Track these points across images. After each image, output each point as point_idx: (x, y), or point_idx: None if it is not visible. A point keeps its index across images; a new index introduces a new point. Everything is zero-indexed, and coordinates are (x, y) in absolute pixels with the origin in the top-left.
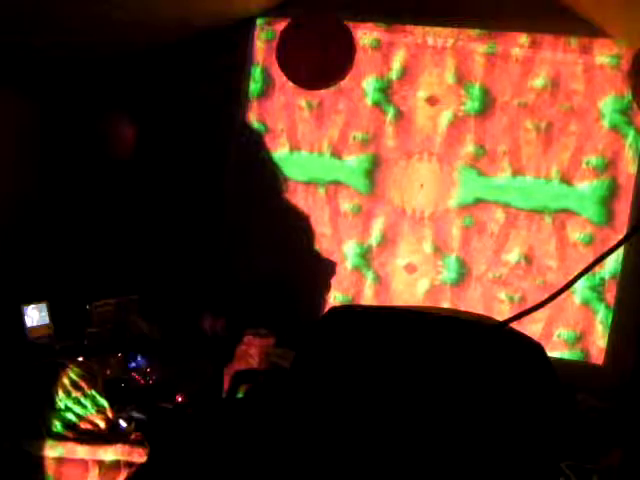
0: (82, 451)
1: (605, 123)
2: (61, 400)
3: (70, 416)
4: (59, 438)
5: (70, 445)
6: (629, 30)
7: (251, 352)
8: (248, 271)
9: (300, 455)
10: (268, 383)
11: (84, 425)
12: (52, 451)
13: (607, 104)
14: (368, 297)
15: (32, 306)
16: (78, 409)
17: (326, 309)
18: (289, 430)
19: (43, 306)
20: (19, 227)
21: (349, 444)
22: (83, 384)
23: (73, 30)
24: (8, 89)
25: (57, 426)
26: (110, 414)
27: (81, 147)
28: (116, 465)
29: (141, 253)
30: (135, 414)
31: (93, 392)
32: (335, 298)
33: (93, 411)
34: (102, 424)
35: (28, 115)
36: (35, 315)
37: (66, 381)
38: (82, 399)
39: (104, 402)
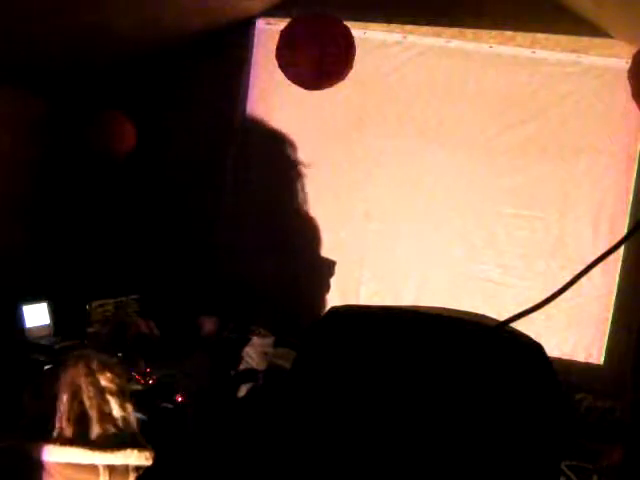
0: (92, 456)
1: (605, 123)
2: (84, 403)
3: (90, 416)
4: (70, 443)
5: (80, 450)
6: (629, 30)
7: (251, 352)
8: (248, 271)
9: (300, 456)
10: (268, 384)
11: (98, 428)
12: (61, 456)
13: (607, 104)
14: (369, 297)
15: (32, 306)
16: (102, 410)
17: (327, 308)
18: (289, 431)
19: (43, 306)
20: (19, 227)
21: (349, 446)
22: (111, 386)
23: (74, 30)
24: (10, 88)
25: (72, 431)
26: (130, 416)
27: (81, 147)
28: (125, 469)
29: (141, 253)
30: (135, 414)
31: (121, 394)
32: (335, 297)
33: (116, 413)
34: (117, 421)
35: (27, 115)
36: (35, 315)
37: (88, 388)
38: (113, 401)
39: (129, 405)
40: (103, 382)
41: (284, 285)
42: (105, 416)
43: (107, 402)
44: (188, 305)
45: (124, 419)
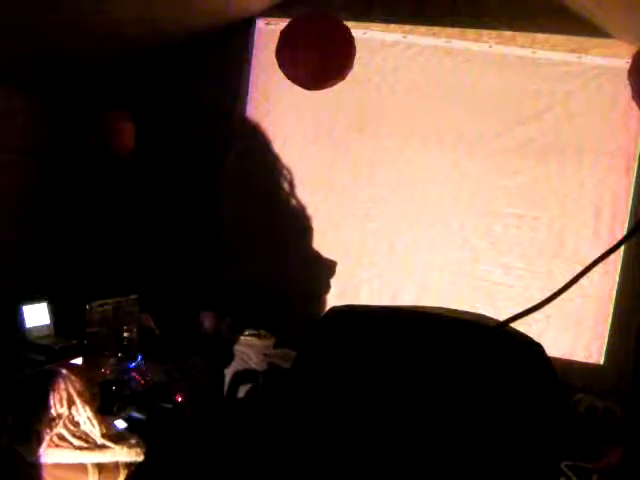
0: (80, 456)
1: (605, 123)
2: (57, 410)
3: (62, 427)
4: (53, 445)
5: (67, 451)
6: (629, 30)
7: (250, 353)
8: (247, 271)
9: (300, 456)
10: (268, 384)
11: (77, 438)
12: (49, 457)
13: (607, 104)
14: (369, 297)
15: (32, 306)
16: (72, 421)
17: (327, 308)
18: (290, 431)
19: (43, 306)
20: (19, 227)
21: (350, 445)
22: (77, 397)
23: (74, 30)
24: (10, 88)
25: (52, 436)
26: (104, 429)
27: (81, 147)
28: (115, 466)
29: (141, 253)
30: (135, 414)
31: (87, 406)
32: (335, 297)
33: (87, 424)
34: (96, 435)
35: (28, 116)
36: (35, 315)
37: (63, 393)
38: (76, 411)
39: (94, 420)
40: (71, 390)
41: (284, 285)
42: (74, 422)
43: (77, 409)
44: (188, 304)
45: (93, 425)
